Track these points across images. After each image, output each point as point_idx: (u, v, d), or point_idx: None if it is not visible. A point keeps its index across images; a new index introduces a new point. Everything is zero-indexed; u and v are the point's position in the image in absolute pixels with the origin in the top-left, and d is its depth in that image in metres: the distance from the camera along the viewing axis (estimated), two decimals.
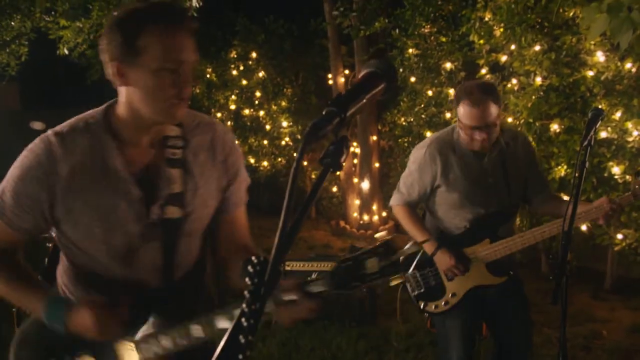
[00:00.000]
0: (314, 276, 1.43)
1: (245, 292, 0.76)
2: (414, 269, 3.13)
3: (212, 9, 8.04)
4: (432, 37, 6.49)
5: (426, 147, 3.05)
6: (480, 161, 2.99)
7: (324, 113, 0.87)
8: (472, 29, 5.76)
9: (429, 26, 6.48)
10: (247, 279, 0.80)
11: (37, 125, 13.96)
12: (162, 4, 1.60)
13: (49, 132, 1.68)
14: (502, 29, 5.46)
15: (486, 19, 5.68)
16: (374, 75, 0.98)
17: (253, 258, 0.85)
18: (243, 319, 0.73)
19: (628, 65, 4.81)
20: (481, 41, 5.74)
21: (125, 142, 1.68)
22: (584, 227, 5.37)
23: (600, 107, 4.87)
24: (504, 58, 5.59)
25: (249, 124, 10.07)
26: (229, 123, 10.63)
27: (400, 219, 3.21)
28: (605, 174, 5.06)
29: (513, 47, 5.41)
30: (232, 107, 10.37)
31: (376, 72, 0.98)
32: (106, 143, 1.66)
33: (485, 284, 3.05)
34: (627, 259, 5.54)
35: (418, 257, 3.10)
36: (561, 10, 5.16)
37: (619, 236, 5.15)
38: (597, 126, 2.35)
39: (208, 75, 11.10)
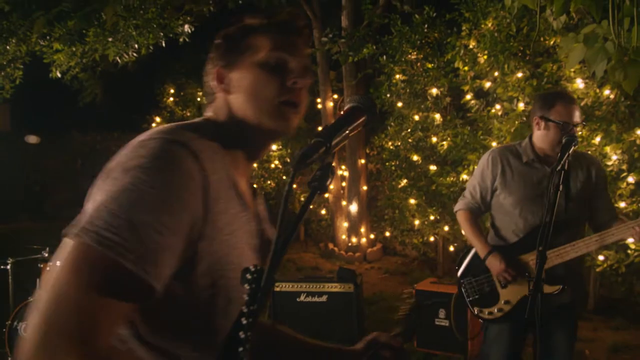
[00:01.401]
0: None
1: (245, 296, 0.87)
2: (470, 276, 3.19)
3: (203, 34, 8.18)
4: (419, 64, 6.67)
5: (490, 152, 3.21)
6: (543, 171, 3.05)
7: (311, 143, 0.97)
8: (457, 56, 5.93)
9: (415, 53, 6.66)
10: (245, 285, 0.89)
11: (31, 139, 14.04)
12: (280, 13, 1.38)
13: (165, 136, 1.14)
14: (485, 57, 5.63)
15: (470, 46, 5.85)
16: (357, 109, 1.10)
17: (251, 267, 0.91)
18: (242, 318, 0.84)
19: (606, 92, 4.97)
20: (466, 68, 5.91)
21: (237, 159, 1.32)
22: None
23: (580, 132, 5.07)
24: (488, 84, 5.75)
25: None
26: None
27: (461, 223, 3.30)
28: None
29: (496, 73, 5.57)
30: None
31: (358, 107, 1.10)
32: (225, 158, 1.26)
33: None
34: (609, 280, 5.67)
35: (474, 263, 3.18)
36: (542, 39, 5.35)
37: (601, 257, 5.27)
38: (570, 152, 2.48)
39: (199, 99, 11.24)
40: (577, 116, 2.95)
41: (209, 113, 1.36)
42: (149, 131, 1.17)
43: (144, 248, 0.99)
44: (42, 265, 4.98)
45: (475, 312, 3.16)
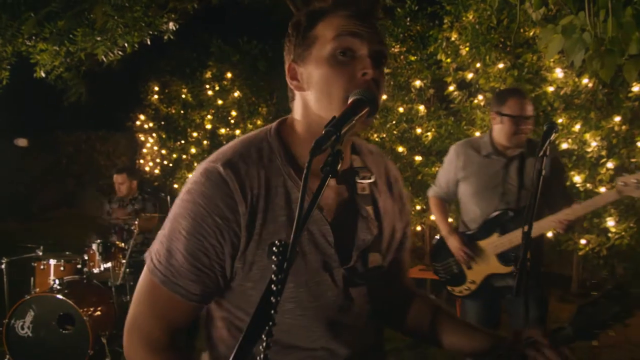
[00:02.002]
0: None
1: (272, 266, 0.98)
2: (440, 259, 3.61)
3: (187, 31, 8.21)
4: (402, 57, 6.75)
5: (455, 146, 3.57)
6: (500, 163, 3.35)
7: (324, 132, 1.05)
8: (440, 48, 6.04)
9: (398, 46, 6.74)
10: (273, 257, 1.01)
11: (21, 142, 13.89)
12: None
13: (213, 163, 1.28)
14: (467, 48, 5.75)
15: (452, 39, 5.96)
16: (361, 101, 1.18)
17: (276, 242, 1.01)
18: (272, 285, 0.96)
19: (585, 80, 5.13)
20: (448, 60, 6.02)
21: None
22: (549, 234, 5.66)
23: (560, 120, 5.22)
24: (470, 75, 5.87)
25: (225, 142, 10.17)
26: (205, 142, 10.77)
27: (431, 208, 3.73)
28: (568, 183, 5.35)
29: (478, 65, 5.70)
30: (208, 126, 10.52)
31: (362, 99, 1.19)
32: (288, 174, 1.31)
33: (497, 272, 3.37)
34: (591, 263, 5.84)
35: (443, 247, 3.56)
36: (522, 31, 5.48)
37: (583, 241, 5.44)
38: (551, 138, 2.61)
39: (184, 96, 11.24)
40: (528, 110, 3.25)
41: (293, 112, 1.40)
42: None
43: (176, 271, 1.26)
44: (35, 264, 5.03)
45: (449, 290, 3.60)
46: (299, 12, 1.36)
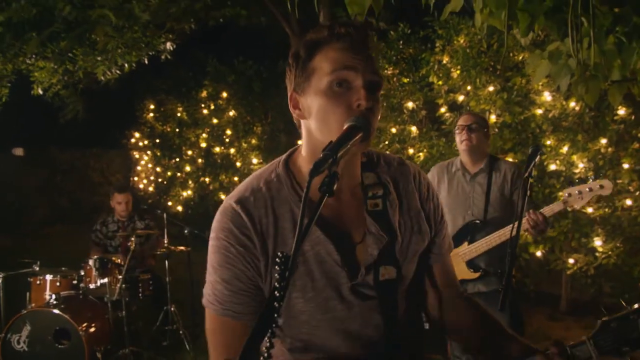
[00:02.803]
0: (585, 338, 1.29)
1: (275, 275, 1.08)
2: None
3: (184, 51, 8.34)
4: (395, 79, 6.88)
5: (433, 168, 3.89)
6: (466, 180, 3.65)
7: (321, 156, 1.15)
8: (432, 71, 6.19)
9: (391, 68, 6.87)
10: (276, 267, 1.11)
11: (18, 151, 13.87)
12: (340, 24, 1.40)
13: (228, 200, 1.45)
14: (458, 71, 5.89)
15: (444, 62, 6.11)
16: (355, 127, 1.28)
17: (279, 253, 1.11)
18: (275, 292, 1.07)
19: (572, 104, 5.26)
20: (440, 82, 6.16)
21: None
22: (538, 253, 5.77)
23: (549, 142, 5.35)
24: (461, 98, 5.98)
25: (219, 161, 10.31)
26: (200, 160, 10.85)
27: None
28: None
29: (469, 87, 5.84)
30: (203, 144, 10.61)
31: (356, 125, 1.29)
32: (294, 201, 1.43)
33: (466, 278, 3.51)
34: (579, 282, 5.94)
35: None
36: (511, 55, 5.63)
37: (571, 261, 5.55)
38: (536, 160, 2.73)
39: (179, 114, 11.34)
40: (462, 120, 3.67)
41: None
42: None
43: (221, 299, 1.41)
44: (31, 279, 5.06)
45: None
46: (298, 43, 1.44)
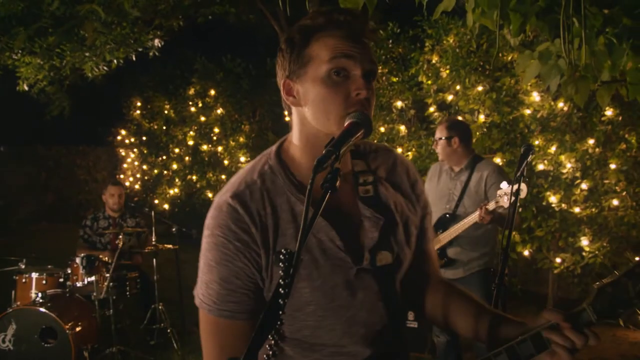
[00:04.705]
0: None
1: (280, 272, 1.07)
2: None
3: (171, 48, 8.30)
4: (384, 78, 6.89)
5: (431, 167, 4.22)
6: (450, 178, 3.95)
7: (324, 152, 1.14)
8: (421, 70, 6.21)
9: (380, 67, 6.85)
10: (280, 264, 1.10)
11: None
12: (339, 11, 1.39)
13: (222, 196, 1.42)
14: (448, 71, 5.91)
15: (433, 61, 6.13)
16: (356, 124, 1.28)
17: (282, 250, 1.08)
18: (280, 289, 1.05)
19: (560, 104, 5.31)
20: (429, 82, 6.18)
21: (306, 184, 1.38)
22: (526, 253, 5.81)
23: (537, 142, 5.39)
24: (450, 97, 6.01)
25: (207, 159, 10.26)
26: (187, 158, 10.79)
27: None
28: (544, 203, 5.51)
29: (458, 87, 5.86)
30: (191, 142, 10.55)
31: (357, 122, 1.28)
32: (290, 191, 1.42)
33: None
34: (566, 282, 5.98)
35: None
36: (500, 55, 5.65)
37: (558, 260, 5.59)
38: (527, 159, 2.75)
39: (166, 112, 11.28)
40: (437, 131, 3.96)
41: (291, 126, 1.48)
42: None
43: (216, 298, 1.37)
44: (17, 277, 5.00)
45: None
46: (292, 28, 1.42)
